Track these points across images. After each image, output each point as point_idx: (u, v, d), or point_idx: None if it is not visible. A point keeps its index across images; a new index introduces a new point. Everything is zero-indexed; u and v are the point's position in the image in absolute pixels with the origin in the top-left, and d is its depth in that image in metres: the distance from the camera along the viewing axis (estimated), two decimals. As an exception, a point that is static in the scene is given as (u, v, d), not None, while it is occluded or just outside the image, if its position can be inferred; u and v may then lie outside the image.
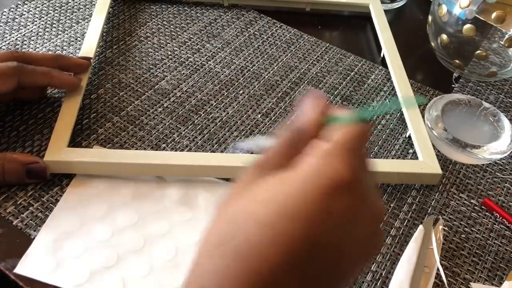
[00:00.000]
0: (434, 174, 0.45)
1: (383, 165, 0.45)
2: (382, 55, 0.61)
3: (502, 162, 0.50)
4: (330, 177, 0.22)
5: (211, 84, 0.53)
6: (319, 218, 0.21)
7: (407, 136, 0.50)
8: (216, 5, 0.65)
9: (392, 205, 0.44)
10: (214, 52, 0.58)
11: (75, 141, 0.45)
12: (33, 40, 0.56)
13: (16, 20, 0.58)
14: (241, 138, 0.48)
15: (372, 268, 0.40)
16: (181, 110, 0.50)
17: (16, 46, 0.55)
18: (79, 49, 0.55)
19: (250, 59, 0.57)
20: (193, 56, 0.57)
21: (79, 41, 0.56)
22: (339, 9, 0.67)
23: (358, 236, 0.23)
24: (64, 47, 0.55)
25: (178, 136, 0.47)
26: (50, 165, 0.41)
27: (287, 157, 0.24)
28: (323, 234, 0.21)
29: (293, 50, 0.60)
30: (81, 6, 0.61)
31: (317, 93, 0.27)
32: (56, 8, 0.61)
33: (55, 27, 0.58)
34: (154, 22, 0.61)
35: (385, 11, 0.65)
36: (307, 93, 0.27)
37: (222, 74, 0.55)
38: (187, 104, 0.51)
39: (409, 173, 0.45)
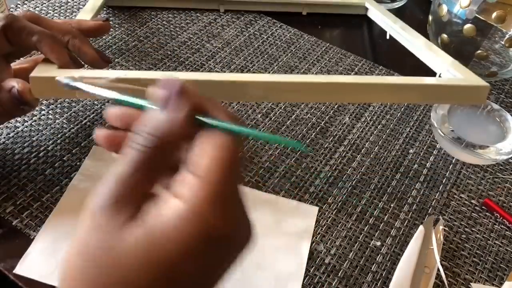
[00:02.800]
0: (480, 86, 0.42)
1: (425, 81, 0.42)
2: (388, 36, 0.60)
3: (503, 162, 0.50)
4: (207, 234, 0.20)
5: (211, 84, 0.53)
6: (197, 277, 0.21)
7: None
8: (213, 11, 0.64)
9: (392, 205, 0.44)
10: (214, 52, 0.58)
11: (73, 140, 0.45)
12: (32, 40, 0.56)
13: (15, 20, 0.58)
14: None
15: (372, 269, 0.40)
16: (181, 110, 0.50)
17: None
18: (78, 49, 0.55)
19: (250, 59, 0.57)
20: (193, 56, 0.57)
21: (79, 41, 0.56)
22: (336, 12, 0.67)
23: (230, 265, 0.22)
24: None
25: (178, 136, 0.47)
26: (37, 85, 0.36)
27: (147, 186, 0.21)
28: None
29: (293, 50, 0.60)
30: (81, 6, 0.61)
31: (177, 83, 0.22)
32: (56, 8, 0.61)
33: (54, 27, 0.58)
34: (154, 22, 0.61)
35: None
36: (163, 83, 0.22)
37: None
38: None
39: (454, 85, 0.42)
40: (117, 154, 0.24)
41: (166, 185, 0.22)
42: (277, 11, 0.65)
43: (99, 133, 0.25)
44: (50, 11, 0.60)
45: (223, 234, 0.21)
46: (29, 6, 0.60)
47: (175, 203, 0.20)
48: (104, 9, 0.62)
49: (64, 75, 0.36)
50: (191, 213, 0.20)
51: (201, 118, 0.22)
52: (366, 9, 0.66)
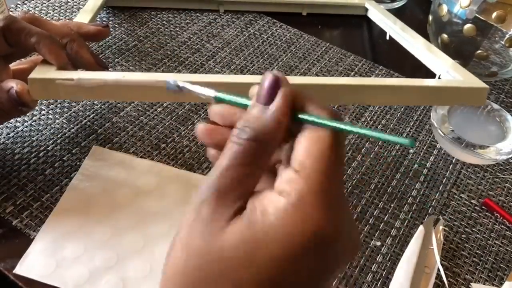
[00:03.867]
0: (479, 88, 0.42)
1: (425, 82, 0.42)
2: (388, 36, 0.60)
3: (503, 162, 0.50)
4: (312, 233, 0.19)
5: (211, 84, 0.53)
6: (303, 280, 0.20)
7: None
8: (213, 11, 0.64)
9: (392, 205, 0.44)
10: (214, 52, 0.58)
11: (73, 140, 0.45)
12: (32, 40, 0.56)
13: (15, 20, 0.58)
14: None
15: (372, 269, 0.40)
16: (181, 110, 0.50)
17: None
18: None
19: (250, 59, 0.57)
20: (193, 56, 0.57)
21: (79, 41, 0.56)
22: (336, 12, 0.67)
23: (334, 274, 0.21)
24: (64, 47, 0.55)
25: (178, 136, 0.47)
26: (36, 86, 0.36)
27: (250, 182, 0.21)
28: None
29: (293, 50, 0.60)
30: (81, 6, 0.61)
31: (280, 76, 0.22)
32: (56, 8, 0.61)
33: (54, 27, 0.58)
34: (154, 22, 0.61)
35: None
36: (266, 76, 0.22)
37: (222, 74, 0.55)
38: (187, 104, 0.51)
39: (454, 87, 0.42)
40: (213, 150, 0.25)
41: (270, 183, 0.22)
42: (277, 11, 0.65)
43: (201, 126, 0.25)
44: (50, 11, 0.60)
45: (328, 234, 0.20)
46: (29, 6, 0.60)
47: (277, 200, 0.20)
48: (104, 9, 0.62)
49: (62, 77, 0.36)
50: (293, 208, 0.19)
51: (300, 115, 0.22)
52: (366, 9, 0.66)
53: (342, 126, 0.21)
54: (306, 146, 0.21)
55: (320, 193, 0.20)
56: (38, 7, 0.60)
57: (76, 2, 0.62)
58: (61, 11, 0.60)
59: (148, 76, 0.37)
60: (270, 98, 0.22)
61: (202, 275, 0.20)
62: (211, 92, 0.25)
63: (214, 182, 0.21)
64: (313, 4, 0.65)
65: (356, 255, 0.23)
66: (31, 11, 0.60)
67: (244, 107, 0.24)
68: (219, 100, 0.25)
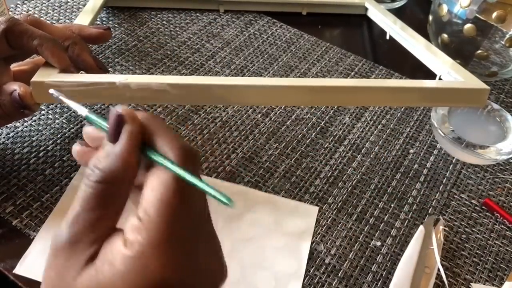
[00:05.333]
0: (480, 89, 0.42)
1: (426, 84, 0.42)
2: (388, 36, 0.60)
3: (503, 162, 0.49)
4: (153, 282, 0.19)
5: (211, 84, 0.53)
6: None
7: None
8: (213, 11, 0.64)
9: (392, 205, 0.44)
10: (214, 52, 0.58)
11: (73, 140, 0.45)
12: (32, 40, 0.56)
13: (15, 20, 0.58)
14: (241, 137, 0.48)
15: (372, 269, 0.40)
16: (181, 110, 0.50)
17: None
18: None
19: (250, 59, 0.57)
20: (192, 56, 0.57)
21: (79, 41, 0.56)
22: (336, 12, 0.67)
23: None
24: (64, 47, 0.55)
25: (178, 136, 0.47)
26: (39, 89, 0.36)
27: (104, 224, 0.21)
28: None
29: (293, 50, 0.60)
30: (81, 6, 0.61)
31: (116, 113, 0.22)
32: (56, 7, 0.61)
33: (54, 27, 0.58)
34: (154, 22, 0.61)
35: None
36: (110, 113, 0.22)
37: (222, 74, 0.55)
38: (187, 104, 0.51)
39: (454, 88, 0.42)
40: None
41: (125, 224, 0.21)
42: (277, 11, 0.65)
43: (74, 147, 0.25)
44: (50, 11, 0.60)
45: (173, 281, 0.19)
46: (29, 6, 0.60)
47: (123, 250, 0.19)
48: (104, 9, 0.62)
49: (65, 79, 0.36)
50: (134, 260, 0.19)
51: (149, 153, 0.21)
52: (366, 9, 0.66)
53: (181, 173, 0.20)
54: (150, 192, 0.20)
55: (161, 243, 0.19)
56: (38, 7, 0.60)
57: (76, 2, 0.62)
58: (61, 11, 0.60)
59: (146, 79, 0.37)
60: (116, 136, 0.21)
61: None
62: (82, 111, 0.24)
63: (66, 231, 0.20)
64: (313, 4, 0.65)
65: (223, 282, 0.22)
66: (31, 11, 0.60)
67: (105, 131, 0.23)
68: (89, 121, 0.24)
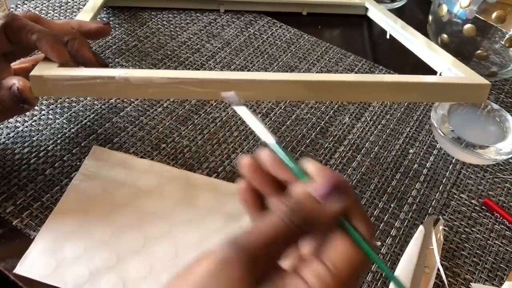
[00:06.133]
0: (481, 84, 0.42)
1: (426, 79, 0.42)
2: (388, 35, 0.60)
3: (503, 162, 0.50)
4: None
5: (211, 84, 0.53)
6: None
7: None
8: (213, 11, 0.64)
9: (392, 205, 0.44)
10: (214, 52, 0.58)
11: (73, 140, 0.45)
12: (32, 40, 0.56)
13: (15, 20, 0.58)
14: (241, 137, 0.48)
15: (372, 269, 0.40)
16: (181, 110, 0.50)
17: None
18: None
19: (250, 59, 0.57)
20: (193, 56, 0.57)
21: (79, 41, 0.56)
22: (336, 12, 0.67)
23: None
24: (64, 47, 0.55)
25: (178, 136, 0.47)
26: (37, 83, 0.36)
27: (278, 257, 0.22)
28: None
29: (293, 50, 0.60)
30: (81, 6, 0.61)
31: (342, 181, 0.23)
32: (56, 8, 0.61)
33: (54, 27, 0.58)
34: (154, 22, 0.61)
35: (385, 11, 0.65)
36: (329, 176, 0.24)
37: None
38: (187, 104, 0.51)
39: (455, 84, 0.42)
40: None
41: (291, 264, 0.23)
42: (277, 11, 0.65)
43: (247, 160, 0.26)
44: (50, 11, 0.60)
45: None
46: (29, 6, 0.60)
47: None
48: (104, 9, 0.62)
49: (64, 74, 0.36)
50: None
51: (345, 222, 0.23)
52: (366, 9, 0.66)
53: (372, 255, 0.23)
54: (341, 250, 0.22)
55: None
56: (38, 7, 0.60)
57: (76, 2, 0.62)
58: (61, 11, 0.60)
59: (149, 73, 0.37)
60: (328, 195, 0.23)
61: None
62: (269, 139, 0.25)
63: (251, 241, 0.21)
64: (313, 4, 0.65)
65: None
66: (31, 10, 0.60)
67: (296, 174, 0.24)
68: (272, 150, 0.25)
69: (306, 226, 0.22)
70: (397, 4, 0.70)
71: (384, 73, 0.59)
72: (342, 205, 0.23)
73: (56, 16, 0.59)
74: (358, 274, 0.23)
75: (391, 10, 0.69)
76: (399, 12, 0.70)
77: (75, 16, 0.60)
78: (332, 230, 0.23)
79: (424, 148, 0.50)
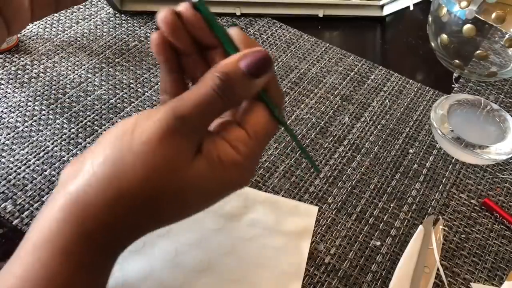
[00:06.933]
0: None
1: None
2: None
3: (502, 162, 0.50)
4: (238, 185, 0.26)
5: (211, 84, 0.53)
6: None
7: None
8: (229, 15, 0.64)
9: (392, 205, 0.44)
10: (214, 52, 0.58)
11: (73, 140, 0.45)
12: (33, 40, 0.56)
13: (15, 20, 0.58)
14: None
15: (372, 268, 0.40)
16: (181, 110, 0.50)
17: (16, 46, 0.55)
18: (78, 49, 0.55)
19: (250, 59, 0.57)
20: (193, 56, 0.57)
21: (79, 41, 0.56)
22: (352, 14, 0.66)
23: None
24: (64, 47, 0.55)
25: (178, 136, 0.47)
26: None
27: (206, 124, 0.24)
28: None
29: (293, 50, 0.60)
30: (81, 6, 0.61)
31: (267, 56, 0.24)
32: (56, 8, 0.61)
33: (55, 27, 0.58)
34: (154, 22, 0.61)
35: (385, 11, 0.65)
36: (259, 50, 0.24)
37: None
38: (187, 104, 0.51)
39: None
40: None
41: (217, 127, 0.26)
42: (294, 14, 0.64)
43: (155, 36, 0.26)
44: (50, 11, 0.60)
45: (245, 183, 0.26)
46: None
47: (231, 152, 0.24)
48: (105, 9, 0.62)
49: None
50: (241, 166, 0.25)
51: (267, 97, 0.25)
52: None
53: (286, 126, 0.27)
54: (259, 118, 0.25)
55: (255, 161, 0.26)
56: (38, 7, 0.60)
57: (76, 2, 0.62)
58: (62, 11, 0.60)
59: None
60: (256, 71, 0.24)
61: (162, 195, 0.23)
62: None
63: (179, 122, 0.23)
64: (331, 5, 0.64)
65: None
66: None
67: (223, 42, 0.24)
68: (197, 8, 0.24)
69: (235, 98, 0.24)
70: (397, 4, 0.70)
71: (383, 73, 0.59)
72: (266, 80, 0.24)
73: (56, 16, 0.59)
74: (269, 139, 0.28)
75: (391, 10, 0.69)
76: (399, 12, 0.70)
77: (75, 16, 0.60)
78: (250, 99, 0.26)
79: (424, 148, 0.50)
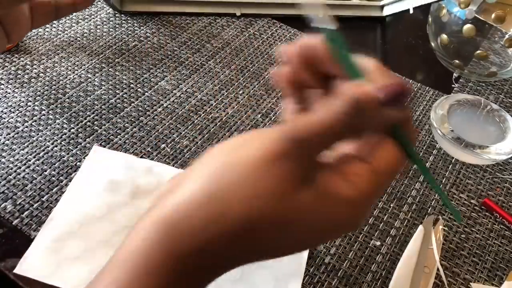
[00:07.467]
0: None
1: None
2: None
3: (502, 162, 0.50)
4: (348, 225, 0.23)
5: (211, 84, 0.53)
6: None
7: None
8: (228, 15, 0.64)
9: (392, 205, 0.44)
10: (214, 52, 0.58)
11: (73, 140, 0.45)
12: (33, 40, 0.56)
13: (15, 20, 0.58)
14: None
15: (372, 268, 0.40)
16: (181, 110, 0.50)
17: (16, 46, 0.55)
18: (78, 49, 0.55)
19: (250, 59, 0.57)
20: (193, 56, 0.57)
21: (79, 41, 0.56)
22: (352, 14, 0.66)
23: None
24: (64, 47, 0.55)
25: (178, 136, 0.47)
26: None
27: (325, 147, 0.22)
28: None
29: (293, 50, 0.60)
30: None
31: (407, 88, 0.22)
32: (56, 8, 0.61)
33: (55, 27, 0.58)
34: (154, 22, 0.61)
35: (385, 11, 0.65)
36: (400, 81, 0.22)
37: (222, 74, 0.55)
38: (187, 104, 0.51)
39: None
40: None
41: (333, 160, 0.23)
42: (294, 14, 0.64)
43: (291, 48, 0.24)
44: (50, 11, 0.60)
45: (359, 224, 0.23)
46: (29, 6, 0.60)
47: (346, 188, 0.21)
48: (105, 9, 0.62)
49: None
50: (354, 203, 0.22)
51: (401, 133, 0.23)
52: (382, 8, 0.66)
53: (418, 162, 0.23)
54: (390, 157, 0.22)
55: (373, 198, 0.23)
56: (38, 7, 0.60)
57: (76, 2, 0.62)
58: (61, 11, 0.60)
59: None
60: (393, 101, 0.22)
61: (262, 223, 0.20)
62: (329, 24, 0.22)
63: (307, 135, 0.20)
64: (331, 5, 0.64)
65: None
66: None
67: (351, 72, 0.23)
68: (328, 41, 0.22)
69: (360, 126, 0.22)
70: (396, 4, 0.70)
71: (383, 73, 0.59)
72: (401, 115, 0.22)
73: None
74: (394, 178, 0.24)
75: (390, 10, 0.69)
76: (398, 12, 0.70)
77: (75, 16, 0.60)
78: (379, 134, 0.23)
79: (424, 148, 0.50)
